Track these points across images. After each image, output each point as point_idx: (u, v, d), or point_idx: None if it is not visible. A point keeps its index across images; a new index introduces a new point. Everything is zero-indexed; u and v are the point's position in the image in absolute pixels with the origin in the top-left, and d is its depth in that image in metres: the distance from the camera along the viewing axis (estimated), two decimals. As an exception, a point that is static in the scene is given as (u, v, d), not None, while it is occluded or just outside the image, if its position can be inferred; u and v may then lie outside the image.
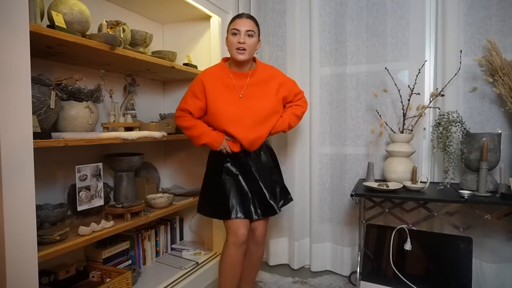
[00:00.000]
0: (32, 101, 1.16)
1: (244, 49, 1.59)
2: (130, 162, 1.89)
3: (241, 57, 1.60)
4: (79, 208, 1.50)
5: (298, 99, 1.84)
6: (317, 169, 2.32)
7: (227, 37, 1.65)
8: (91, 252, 1.84)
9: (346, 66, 2.22)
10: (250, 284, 1.86)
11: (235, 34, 1.60)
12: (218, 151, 1.70)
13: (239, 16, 1.64)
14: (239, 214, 1.63)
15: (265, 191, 1.68)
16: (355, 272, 2.04)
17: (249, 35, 1.60)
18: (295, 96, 1.82)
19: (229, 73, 1.69)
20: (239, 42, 1.58)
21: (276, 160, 1.86)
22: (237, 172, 1.69)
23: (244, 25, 1.59)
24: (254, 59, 1.75)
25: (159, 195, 1.98)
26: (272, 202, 1.69)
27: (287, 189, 1.85)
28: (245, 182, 1.68)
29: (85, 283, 1.68)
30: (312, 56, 2.27)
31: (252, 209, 1.66)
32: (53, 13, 1.37)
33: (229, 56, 1.71)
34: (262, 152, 1.76)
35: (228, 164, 1.70)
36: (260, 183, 1.68)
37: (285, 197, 1.83)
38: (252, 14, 2.36)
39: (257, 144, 1.71)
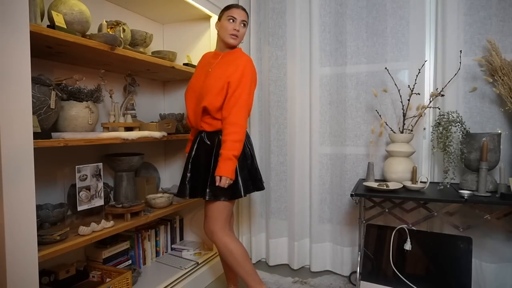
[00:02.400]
0: (32, 101, 1.16)
1: (237, 36, 1.70)
2: (130, 162, 1.89)
3: (233, 42, 1.70)
4: (79, 208, 1.50)
5: (229, 107, 1.60)
6: (317, 169, 2.32)
7: (220, 22, 1.73)
8: (91, 252, 1.84)
9: (346, 66, 2.22)
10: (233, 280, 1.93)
11: (231, 20, 1.69)
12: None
13: (236, 6, 1.72)
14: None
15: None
16: (355, 272, 2.05)
17: (243, 25, 1.71)
18: (232, 93, 1.61)
19: (213, 52, 1.81)
20: (234, 29, 1.68)
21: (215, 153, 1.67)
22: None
23: (240, 15, 1.70)
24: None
25: (159, 195, 1.98)
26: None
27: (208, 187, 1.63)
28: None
29: (85, 283, 1.68)
30: (312, 56, 2.27)
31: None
32: (53, 13, 1.37)
33: None
34: (205, 136, 1.71)
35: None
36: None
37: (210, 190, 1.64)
38: (252, 14, 2.39)
39: (195, 119, 1.74)
